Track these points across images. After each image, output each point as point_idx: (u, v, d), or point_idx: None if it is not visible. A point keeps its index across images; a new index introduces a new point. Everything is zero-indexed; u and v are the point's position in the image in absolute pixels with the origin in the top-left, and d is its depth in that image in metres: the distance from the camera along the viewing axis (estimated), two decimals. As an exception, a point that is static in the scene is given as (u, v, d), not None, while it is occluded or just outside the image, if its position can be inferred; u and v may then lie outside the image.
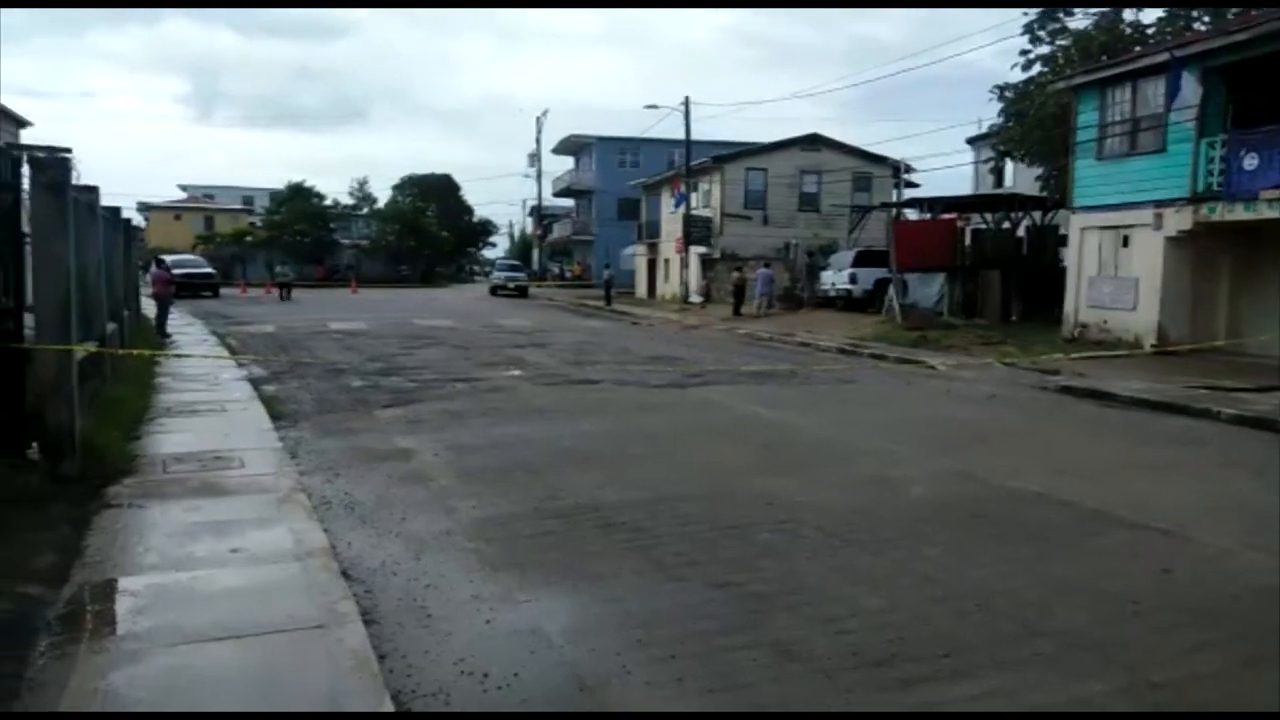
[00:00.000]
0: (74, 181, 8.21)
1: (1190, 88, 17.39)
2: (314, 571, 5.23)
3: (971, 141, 37.51)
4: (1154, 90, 18.86)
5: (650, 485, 7.62)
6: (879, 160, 41.23)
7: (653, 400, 12.57)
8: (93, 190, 9.83)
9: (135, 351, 10.43)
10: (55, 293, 7.06)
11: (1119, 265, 20.04)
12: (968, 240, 26.79)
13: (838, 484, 7.64)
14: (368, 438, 9.64)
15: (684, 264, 41.18)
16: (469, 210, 74.38)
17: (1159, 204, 18.65)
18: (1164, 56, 18.16)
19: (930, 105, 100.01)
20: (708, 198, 42.12)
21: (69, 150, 10.01)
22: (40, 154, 7.52)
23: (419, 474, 8.01)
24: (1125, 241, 19.82)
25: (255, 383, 13.00)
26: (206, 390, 12.04)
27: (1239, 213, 16.99)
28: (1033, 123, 25.23)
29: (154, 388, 11.96)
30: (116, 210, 13.57)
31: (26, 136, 35.44)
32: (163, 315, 20.57)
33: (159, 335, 19.73)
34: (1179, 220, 18.26)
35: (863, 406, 12.36)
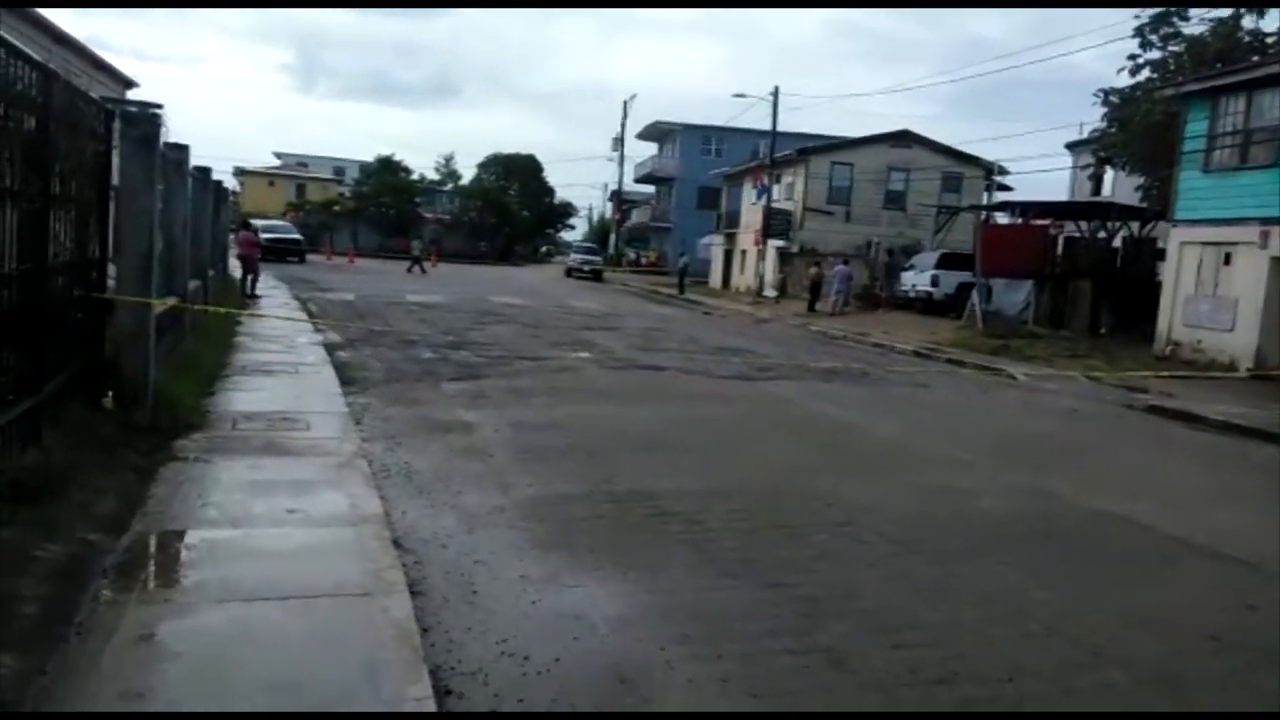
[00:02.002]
0: (164, 139, 8.40)
1: (1311, 100, 16.42)
2: (366, 538, 5.23)
3: (1071, 146, 36.20)
4: (1270, 102, 17.87)
5: (708, 477, 7.48)
6: (971, 160, 40.17)
7: (718, 391, 12.39)
8: (183, 149, 10.05)
9: (213, 308, 10.66)
10: (138, 246, 7.22)
11: (1219, 284, 19.08)
12: (1059, 248, 25.86)
13: (902, 489, 7.38)
14: (432, 409, 9.69)
15: (761, 256, 40.74)
16: (550, 191, 74.83)
17: (1266, 222, 17.67)
18: (1284, 66, 17.18)
19: (1029, 107, 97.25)
20: (790, 190, 41.55)
21: (160, 106, 10.23)
22: (133, 109, 7.68)
23: (478, 448, 8.00)
24: (1227, 259, 18.86)
25: (329, 348, 13.21)
26: (282, 352, 12.27)
27: (1354, 235, 16.00)
28: (1137, 130, 24.18)
29: (232, 346, 12.24)
30: (207, 170, 13.89)
31: (133, 97, 36.81)
32: (250, 276, 21.13)
33: (245, 295, 20.30)
34: (1288, 240, 17.29)
35: (935, 412, 12.00)
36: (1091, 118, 29.04)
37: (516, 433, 8.71)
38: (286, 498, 5.83)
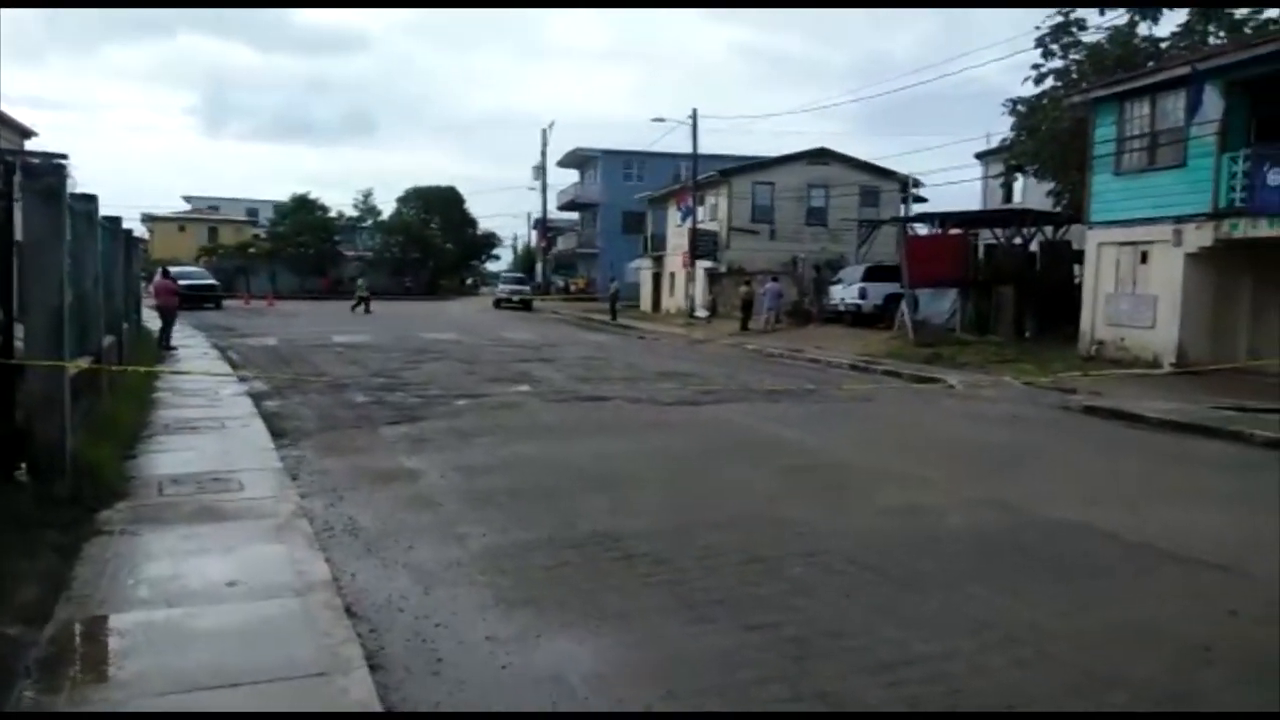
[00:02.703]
0: (71, 189, 7.89)
1: (1212, 102, 17.09)
2: (315, 608, 4.86)
3: (980, 156, 37.21)
4: (1174, 104, 18.54)
5: (670, 511, 7.25)
6: (887, 174, 41.02)
7: (666, 419, 12.20)
8: (91, 199, 9.48)
9: (132, 367, 10.07)
10: (48, 305, 6.71)
11: (1137, 282, 19.67)
12: (980, 256, 26.44)
13: (867, 512, 7.26)
14: (372, 457, 9.28)
15: (690, 278, 40.89)
16: (473, 223, 74.22)
17: (1179, 220, 18.29)
18: (1185, 70, 17.86)
19: (937, 121, 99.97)
20: (714, 211, 41.86)
21: (65, 157, 9.67)
22: (35, 160, 7.19)
23: (426, 497, 7.64)
24: (1144, 258, 19.46)
25: (256, 398, 12.65)
26: (206, 406, 11.68)
27: (1263, 229, 16.63)
28: (1045, 137, 24.90)
29: (153, 403, 11.61)
30: (117, 220, 13.21)
31: (31, 147, 35.24)
32: (167, 327, 20.23)
33: (162, 347, 19.38)
34: (1199, 237, 17.90)
35: (883, 427, 11.99)
36: (999, 128, 29.97)
37: (464, 477, 8.37)
38: (225, 568, 5.41)
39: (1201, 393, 14.57)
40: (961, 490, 8.16)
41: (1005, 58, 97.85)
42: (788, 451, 9.97)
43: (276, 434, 10.03)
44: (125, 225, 17.26)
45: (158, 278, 23.91)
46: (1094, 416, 12.96)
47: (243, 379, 14.74)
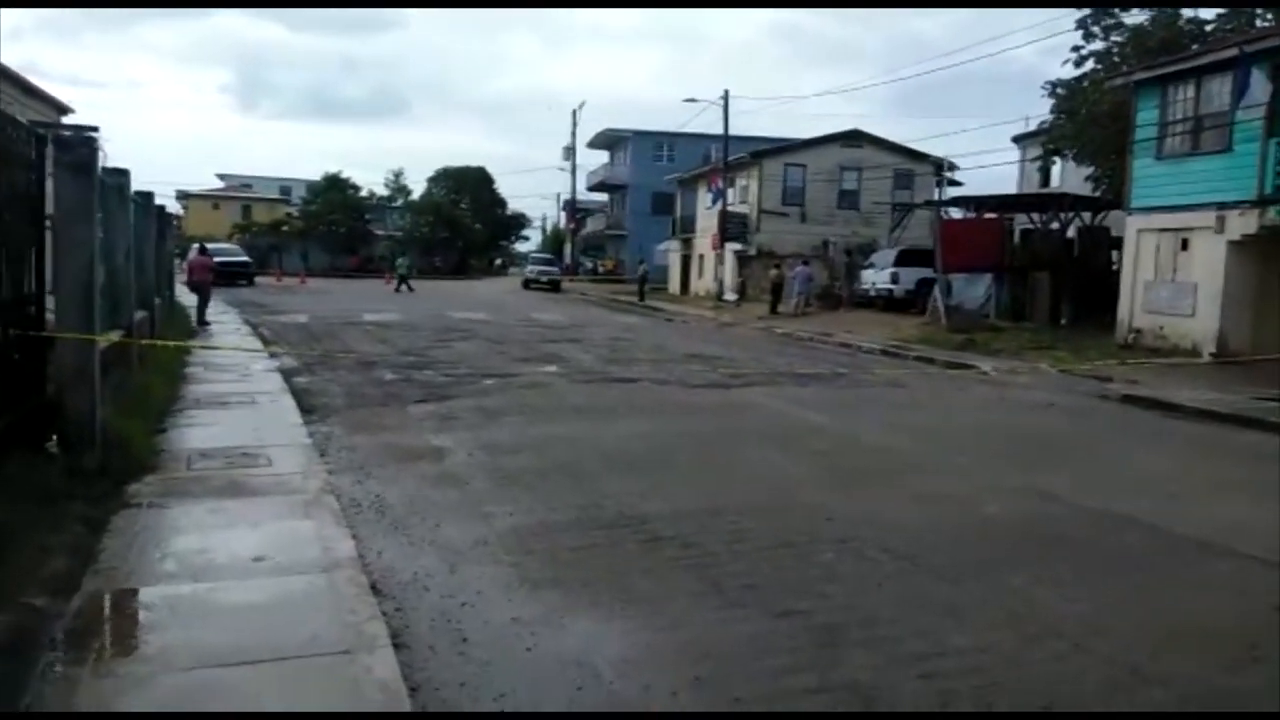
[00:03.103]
0: (102, 163, 7.89)
1: (1260, 85, 16.59)
2: (341, 585, 4.83)
3: (1018, 140, 36.54)
4: (1219, 88, 18.05)
5: (698, 495, 7.15)
6: (921, 157, 40.38)
7: (694, 401, 12.09)
8: (123, 173, 9.52)
9: (163, 342, 10.10)
10: (78, 278, 6.71)
11: (1177, 269, 19.24)
12: (1016, 241, 26.02)
13: (900, 499, 7.12)
14: (399, 435, 9.26)
15: (719, 260, 40.62)
16: (503, 203, 74.23)
17: (1222, 206, 17.84)
18: (1232, 52, 17.35)
19: (972, 103, 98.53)
20: (745, 194, 41.49)
21: (96, 129, 9.68)
22: (67, 133, 7.19)
23: (453, 475, 7.60)
24: (1184, 245, 19.03)
25: (286, 374, 12.68)
26: (237, 381, 11.73)
27: (1310, 217, 16.19)
28: (1085, 120, 24.37)
29: (184, 377, 11.67)
30: (149, 195, 13.29)
31: (68, 123, 35.48)
32: (203, 303, 20.43)
33: (198, 323, 19.58)
34: (1243, 224, 17.46)
35: (915, 412, 11.80)
36: (1036, 111, 29.37)
37: (491, 456, 8.32)
38: (252, 544, 5.40)
39: (1242, 383, 14.23)
40: (997, 478, 8.00)
41: (1040, 40, 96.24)
42: (817, 436, 9.84)
43: (305, 410, 10.04)
44: (159, 202, 17.45)
45: (194, 254, 24.14)
46: (1132, 405, 12.70)
47: (273, 355, 14.81)
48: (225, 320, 21.74)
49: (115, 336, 8.57)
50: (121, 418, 7.73)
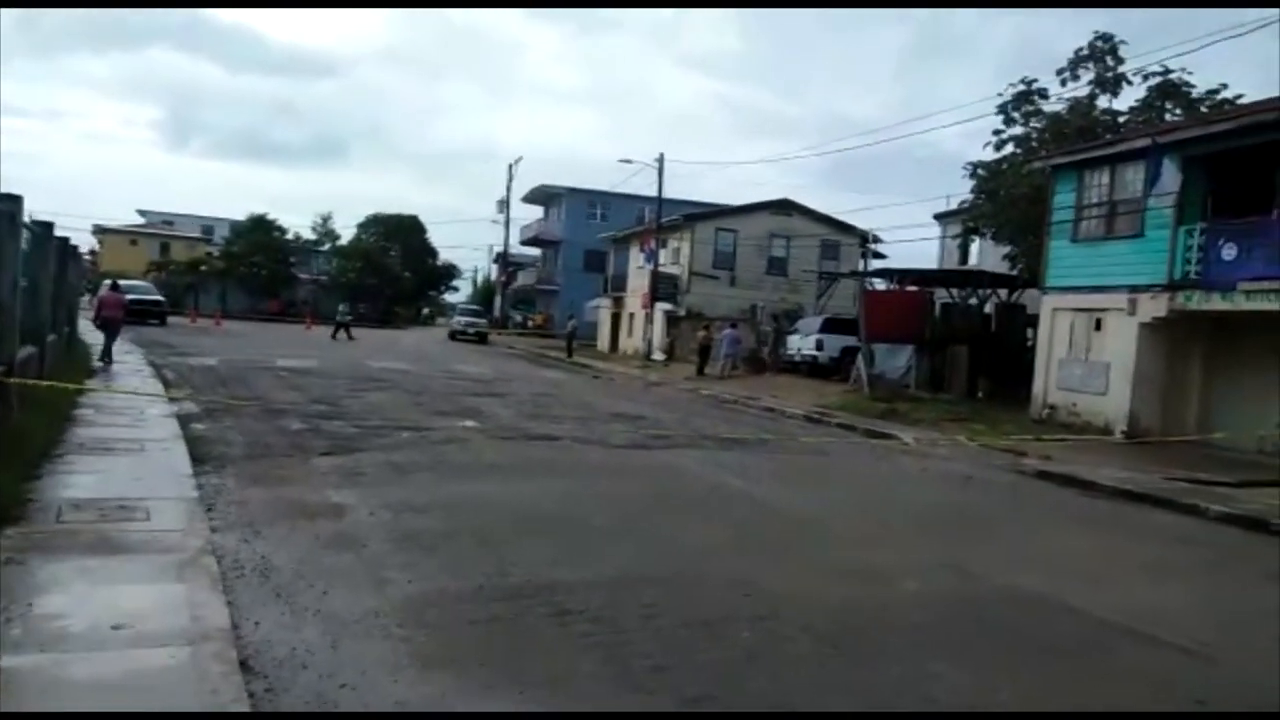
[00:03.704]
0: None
1: (1170, 175, 17.29)
2: (206, 660, 4.33)
3: (939, 217, 37.64)
4: (1133, 175, 18.78)
5: (612, 563, 6.80)
6: (847, 229, 41.34)
7: (615, 462, 11.76)
8: (15, 199, 8.91)
9: (41, 381, 9.40)
10: (-57, 309, 6.15)
11: (1090, 348, 19.75)
12: (937, 314, 26.55)
13: (820, 572, 6.87)
14: (298, 489, 8.71)
15: (649, 320, 40.65)
16: (433, 253, 73.59)
17: (1134, 289, 18.42)
18: (1144, 142, 18.08)
19: (896, 181, 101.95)
20: (677, 255, 41.83)
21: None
22: (-58, 151, 6.66)
23: (350, 536, 7.11)
24: (1098, 325, 19.56)
25: (184, 420, 11.98)
26: (129, 426, 11.00)
27: (1216, 303, 16.78)
28: (1005, 201, 25.18)
29: (71, 420, 10.91)
30: (48, 225, 12.54)
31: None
32: (110, 340, 19.50)
33: (101, 359, 18.69)
34: (1154, 307, 18.02)
35: (837, 482, 11.67)
36: (957, 190, 30.27)
37: (395, 516, 7.84)
38: (113, 610, 4.86)
39: (1153, 462, 14.51)
40: (917, 552, 7.82)
41: (962, 122, 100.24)
42: (739, 503, 9.59)
43: (198, 459, 9.42)
44: (76, 235, 16.62)
45: (104, 290, 23.16)
46: (1048, 481, 12.77)
47: (173, 399, 14.05)
48: (128, 360, 20.71)
49: (-11, 374, 7.91)
50: (-13, 462, 7.09)
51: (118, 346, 20.66)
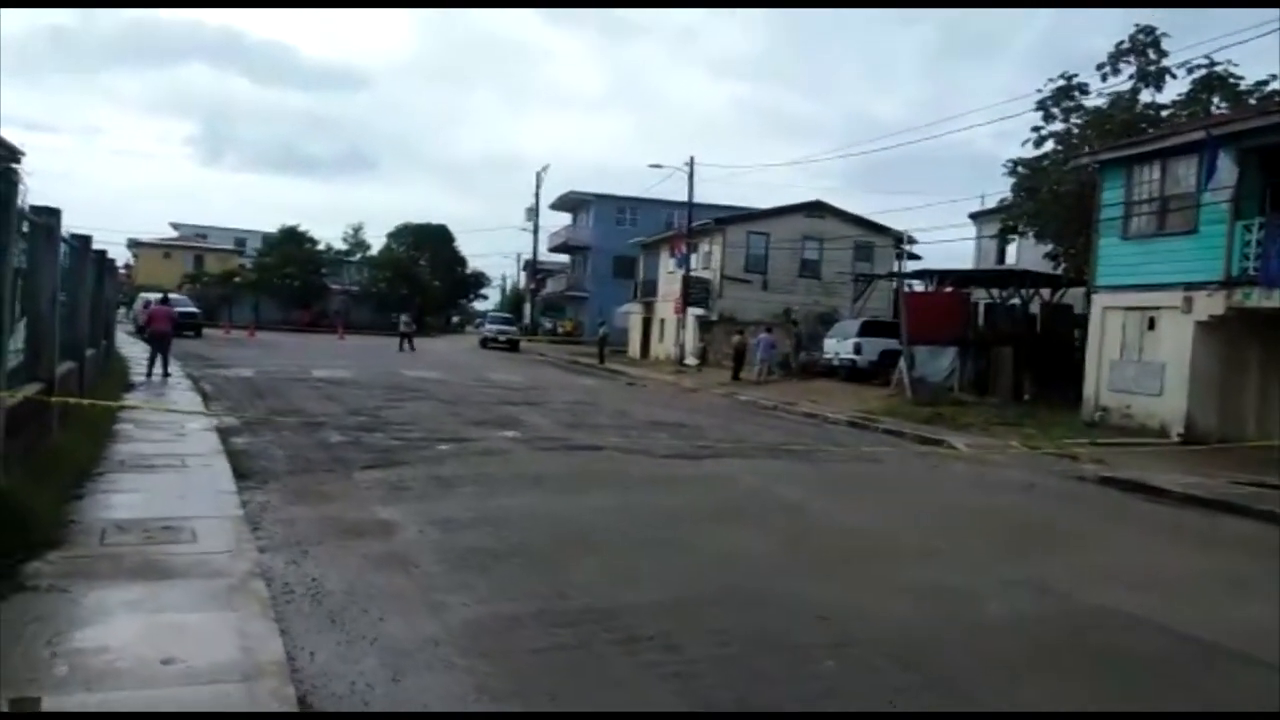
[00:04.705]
0: (24, 200, 7.19)
1: (1226, 168, 16.70)
2: (263, 698, 4.07)
3: (975, 217, 37.05)
4: (1185, 169, 18.18)
5: (674, 583, 6.48)
6: (881, 230, 40.80)
7: (662, 473, 11.44)
8: (53, 213, 8.77)
9: (83, 400, 9.25)
10: (-16, 326, 5.97)
11: (1144, 348, 19.15)
12: (980, 315, 25.99)
13: (895, 593, 6.50)
14: (343, 506, 8.48)
15: (681, 325, 40.31)
16: (463, 262, 73.65)
17: (1189, 287, 17.83)
18: (1198, 135, 17.51)
19: (927, 181, 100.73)
20: (708, 259, 41.45)
21: (17, 160, 8.95)
22: (-19, 164, 6.49)
23: (401, 556, 6.85)
24: (1151, 324, 18.98)
25: (224, 434, 11.82)
26: (169, 441, 10.85)
27: (1276, 300, 16.16)
28: (1047, 198, 24.61)
29: (111, 435, 10.78)
30: (87, 239, 12.46)
31: (19, 169, 34.28)
32: (164, 353, 19.50)
33: (160, 374, 18.85)
34: (1210, 305, 17.42)
35: (894, 492, 11.27)
36: (991, 189, 29.64)
37: (445, 533, 7.58)
38: (161, 642, 4.61)
39: (1217, 466, 13.96)
40: (991, 569, 7.43)
41: (993, 121, 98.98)
42: (795, 515, 9.24)
43: (241, 475, 9.22)
44: (110, 249, 16.56)
45: (153, 304, 23.25)
46: (1112, 488, 12.29)
47: (212, 413, 13.92)
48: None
49: (31, 390, 7.74)
50: (28, 484, 6.88)
51: (144, 361, 20.59)
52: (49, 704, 3.92)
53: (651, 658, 5.00)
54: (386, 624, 5.31)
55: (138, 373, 19.08)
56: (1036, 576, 7.18)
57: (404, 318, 44.10)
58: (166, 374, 19.13)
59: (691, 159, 40.17)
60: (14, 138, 35.85)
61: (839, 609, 5.96)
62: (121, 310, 35.68)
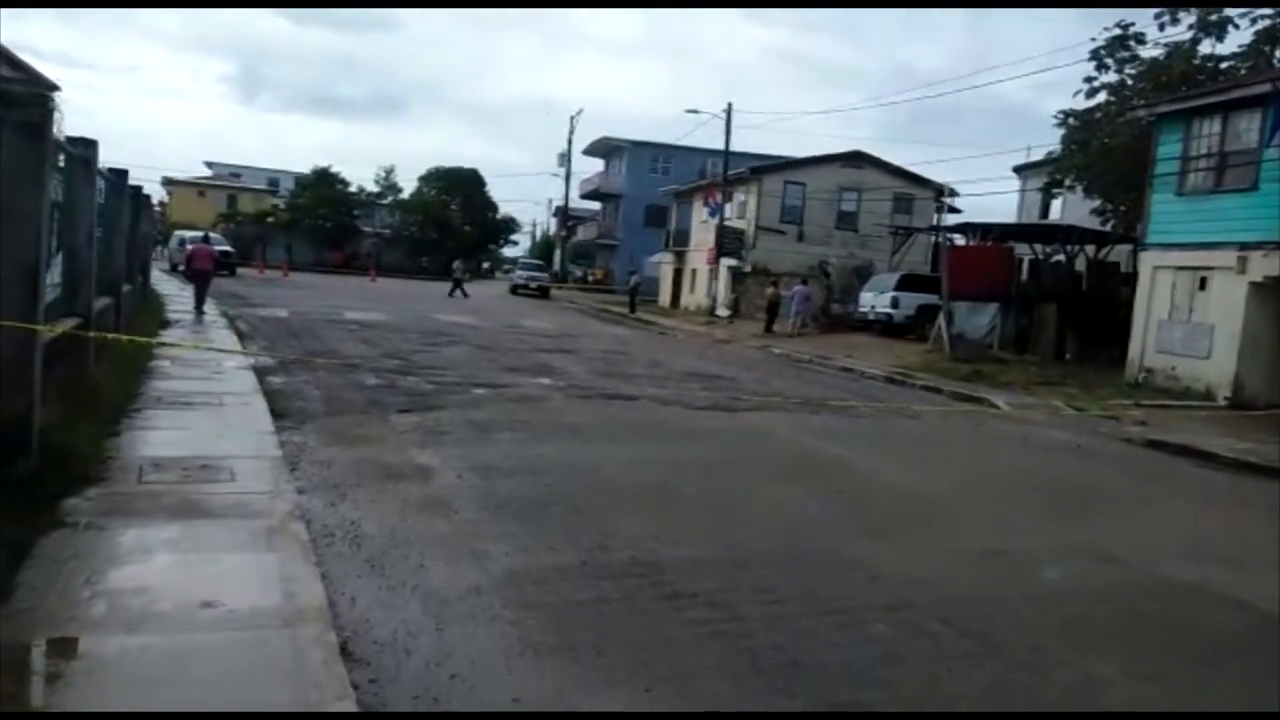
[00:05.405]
0: (60, 130, 7.02)
1: (1292, 123, 15.99)
2: (305, 645, 3.96)
3: (1019, 170, 36.10)
4: (1247, 124, 17.45)
5: (719, 539, 6.31)
6: (922, 182, 39.95)
7: (700, 425, 11.25)
8: (90, 144, 8.59)
9: (127, 337, 9.16)
10: (21, 257, 5.81)
11: (1194, 309, 18.59)
12: (1024, 271, 25.39)
13: (949, 556, 6.30)
14: (380, 448, 8.38)
15: (713, 276, 39.88)
16: (494, 207, 73.13)
17: (1244, 246, 17.21)
18: (1264, 88, 16.76)
19: (966, 134, 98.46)
20: (742, 209, 40.81)
21: (55, 89, 8.77)
22: (16, 88, 6.30)
23: (440, 501, 6.74)
24: (1202, 284, 18.39)
25: (260, 373, 11.75)
26: (206, 379, 10.79)
27: (1338, 262, 15.58)
28: (1099, 152, 23.81)
29: (147, 372, 10.74)
30: (123, 173, 12.32)
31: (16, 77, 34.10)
32: (202, 291, 19.89)
33: (197, 311, 19.03)
34: (1266, 265, 16.82)
35: (938, 450, 11.01)
36: (1035, 141, 28.74)
37: (483, 479, 7.45)
38: (201, 583, 4.52)
39: (1266, 431, 13.55)
40: (1046, 532, 7.20)
41: (1036, 73, 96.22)
42: (839, 472, 9.03)
43: (278, 415, 9.14)
44: (145, 187, 16.45)
45: (193, 244, 23.52)
46: (1161, 451, 11.96)
47: (248, 351, 13.88)
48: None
49: (68, 325, 7.65)
50: (67, 419, 6.81)
51: (187, 298, 20.73)
52: (87, 645, 3.84)
53: (699, 614, 4.85)
54: (428, 571, 5.19)
55: (173, 310, 19.12)
56: (1094, 543, 6.94)
57: (457, 263, 44.13)
58: (203, 312, 19.26)
59: (729, 105, 39.56)
60: (51, 73, 35.79)
61: (890, 570, 5.77)
62: (158, 248, 35.82)
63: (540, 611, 4.73)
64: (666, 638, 4.55)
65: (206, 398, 9.54)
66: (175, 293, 23.80)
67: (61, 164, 8.19)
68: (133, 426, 7.82)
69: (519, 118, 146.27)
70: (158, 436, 7.64)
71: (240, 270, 41.83)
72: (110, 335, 9.04)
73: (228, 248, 41.87)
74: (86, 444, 6.69)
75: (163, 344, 12.55)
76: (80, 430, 6.83)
